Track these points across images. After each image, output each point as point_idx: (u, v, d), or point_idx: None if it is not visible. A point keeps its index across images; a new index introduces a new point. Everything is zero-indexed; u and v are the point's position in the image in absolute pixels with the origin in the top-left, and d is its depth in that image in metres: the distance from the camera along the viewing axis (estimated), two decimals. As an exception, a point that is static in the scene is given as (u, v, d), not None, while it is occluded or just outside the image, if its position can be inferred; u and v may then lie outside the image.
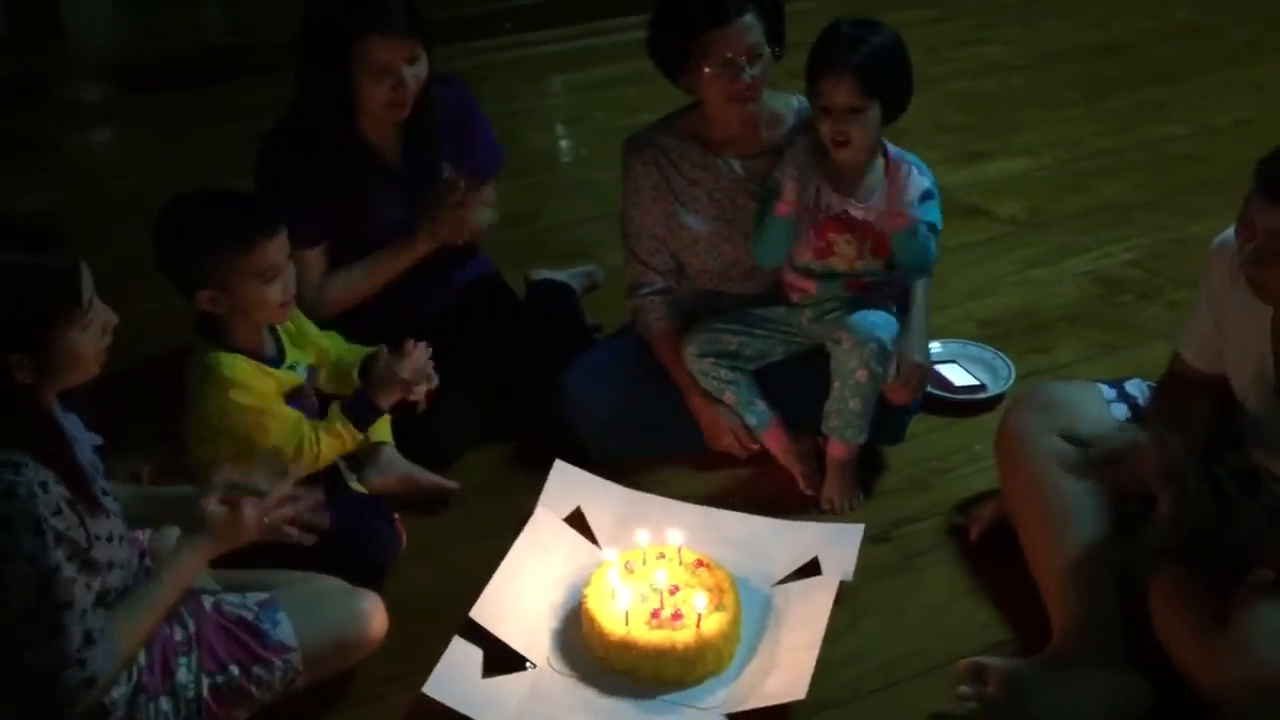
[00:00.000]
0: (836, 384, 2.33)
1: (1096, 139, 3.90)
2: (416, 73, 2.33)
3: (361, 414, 2.20)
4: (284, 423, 2.12)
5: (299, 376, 2.21)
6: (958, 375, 2.68)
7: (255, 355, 2.13)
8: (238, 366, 2.09)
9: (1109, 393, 2.17)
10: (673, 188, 2.43)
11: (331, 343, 2.33)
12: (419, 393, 2.23)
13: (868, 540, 2.23)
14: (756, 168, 2.41)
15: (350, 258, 2.48)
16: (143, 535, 1.97)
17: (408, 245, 2.47)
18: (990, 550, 2.21)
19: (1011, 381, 2.65)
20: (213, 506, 1.81)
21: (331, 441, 2.16)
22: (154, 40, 4.67)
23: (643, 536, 2.14)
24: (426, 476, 2.38)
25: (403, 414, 2.41)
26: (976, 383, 2.66)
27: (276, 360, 2.18)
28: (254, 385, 2.10)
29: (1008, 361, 2.71)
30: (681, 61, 2.29)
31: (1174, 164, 3.73)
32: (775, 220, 2.32)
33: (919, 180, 2.31)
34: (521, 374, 2.57)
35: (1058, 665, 1.88)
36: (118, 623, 1.74)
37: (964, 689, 1.86)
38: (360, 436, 2.21)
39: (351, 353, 2.33)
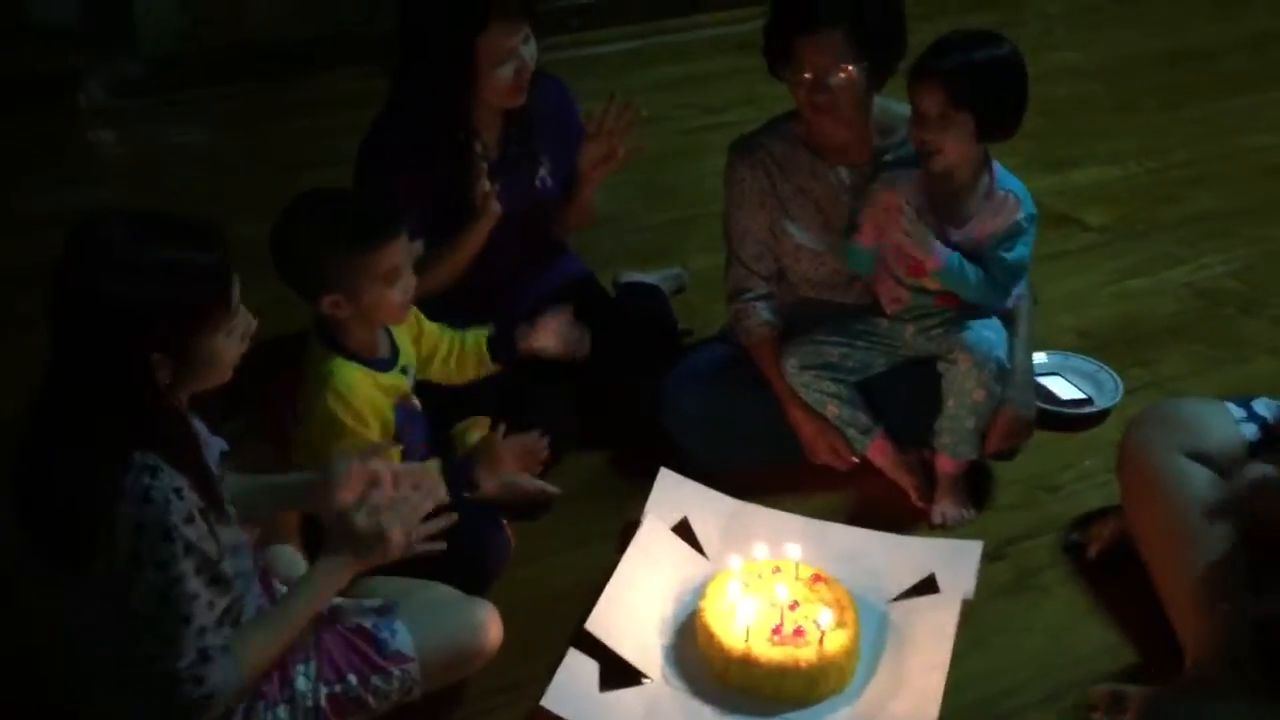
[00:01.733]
0: (951, 402, 2.27)
1: (1181, 148, 3.83)
2: (531, 52, 2.31)
3: (457, 482, 2.12)
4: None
5: (407, 384, 2.17)
6: (1062, 388, 2.62)
7: (369, 359, 2.09)
8: (351, 380, 2.04)
9: (1237, 412, 2.10)
10: (779, 194, 2.38)
11: (440, 330, 2.29)
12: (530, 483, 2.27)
13: (982, 558, 2.18)
14: (864, 178, 2.36)
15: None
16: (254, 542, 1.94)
17: (467, 230, 2.40)
18: (1110, 569, 2.16)
19: (1119, 395, 2.59)
20: (364, 522, 1.76)
21: None
22: (219, 32, 4.65)
23: (760, 550, 2.09)
24: (529, 481, 2.34)
25: (501, 418, 2.38)
26: (1083, 396, 2.60)
27: (389, 362, 2.14)
28: (362, 405, 2.05)
29: (1113, 375, 2.65)
30: (775, 63, 2.26)
31: (1263, 175, 3.65)
32: (855, 250, 2.30)
33: (1013, 213, 2.23)
34: (618, 377, 2.52)
35: (1196, 693, 1.83)
36: (248, 640, 1.70)
37: (1098, 717, 1.80)
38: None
39: (463, 341, 2.29)
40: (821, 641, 1.93)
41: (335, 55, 4.51)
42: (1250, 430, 2.08)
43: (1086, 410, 2.56)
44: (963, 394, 2.27)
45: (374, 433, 2.08)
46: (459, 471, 2.16)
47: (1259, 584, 1.90)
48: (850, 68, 2.19)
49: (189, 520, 1.59)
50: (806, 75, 2.20)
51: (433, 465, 2.16)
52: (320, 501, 1.86)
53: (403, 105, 2.38)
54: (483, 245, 2.41)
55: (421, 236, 2.39)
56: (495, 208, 2.36)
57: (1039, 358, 2.67)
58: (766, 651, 1.92)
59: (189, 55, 4.52)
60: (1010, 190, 2.25)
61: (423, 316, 2.26)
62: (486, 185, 2.34)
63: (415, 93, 2.35)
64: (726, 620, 1.96)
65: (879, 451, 2.37)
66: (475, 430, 2.38)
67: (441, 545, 1.83)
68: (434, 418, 2.29)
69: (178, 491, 1.58)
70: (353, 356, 2.08)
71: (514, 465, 2.22)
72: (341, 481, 1.84)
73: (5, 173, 3.79)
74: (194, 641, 1.61)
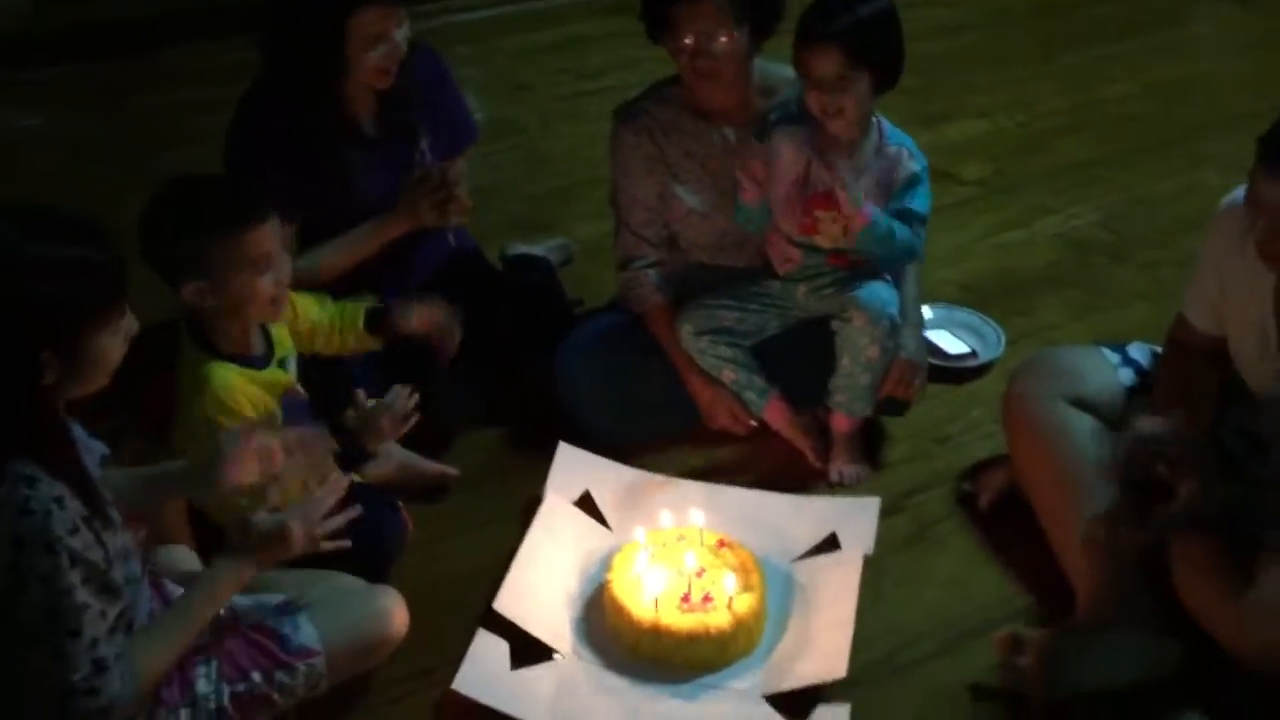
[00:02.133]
0: (845, 360, 2.30)
1: (1049, 98, 3.92)
2: (404, 35, 2.26)
3: (352, 460, 2.05)
4: None
5: (288, 376, 2.11)
6: (949, 342, 2.67)
7: (244, 357, 2.02)
8: (229, 384, 1.97)
9: (1113, 357, 2.18)
10: (666, 159, 2.37)
11: (319, 306, 2.23)
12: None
13: (880, 513, 2.22)
14: (749, 137, 2.36)
15: (327, 229, 2.38)
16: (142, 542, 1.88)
17: (383, 225, 2.37)
18: (1002, 517, 2.22)
19: (1002, 347, 2.66)
20: (263, 521, 1.72)
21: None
22: (72, 10, 4.44)
23: (665, 518, 2.10)
24: (426, 464, 2.31)
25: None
26: (968, 350, 2.66)
27: (265, 359, 2.07)
28: (242, 404, 1.97)
29: (996, 327, 2.71)
30: (654, 30, 2.24)
31: (1124, 123, 3.77)
32: (744, 208, 2.30)
33: (907, 165, 2.28)
34: (510, 354, 2.49)
35: (1089, 630, 1.89)
36: (142, 649, 1.64)
37: (1002, 659, 1.86)
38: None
39: (342, 313, 2.24)
40: (730, 606, 1.94)
41: (194, 30, 4.35)
42: (1127, 375, 2.15)
43: (972, 363, 2.63)
44: (857, 351, 2.30)
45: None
46: (350, 454, 2.11)
47: (1140, 519, 1.97)
48: (732, 32, 2.19)
49: (73, 531, 1.52)
50: (688, 41, 2.19)
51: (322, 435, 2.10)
52: (208, 485, 1.80)
53: (272, 82, 2.31)
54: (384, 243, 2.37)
55: (297, 220, 2.33)
56: (425, 216, 2.34)
57: (926, 312, 2.72)
58: (676, 620, 1.92)
59: (35, 34, 4.31)
60: (900, 143, 2.28)
61: (293, 295, 2.18)
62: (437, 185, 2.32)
63: (285, 70, 2.27)
64: (634, 591, 1.97)
65: (775, 413, 2.39)
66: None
67: (346, 543, 1.80)
68: (321, 398, 2.23)
69: (58, 501, 1.51)
70: (227, 357, 2.00)
71: (392, 429, 2.15)
72: (232, 458, 1.77)
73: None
74: (86, 654, 1.55)
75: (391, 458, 2.30)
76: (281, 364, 2.10)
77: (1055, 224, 3.20)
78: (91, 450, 1.68)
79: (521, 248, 2.91)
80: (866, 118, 2.25)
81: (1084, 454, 2.04)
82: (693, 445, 2.44)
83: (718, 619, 1.92)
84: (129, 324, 1.61)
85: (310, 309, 2.21)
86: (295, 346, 2.16)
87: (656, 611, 1.93)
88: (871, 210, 2.21)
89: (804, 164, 2.26)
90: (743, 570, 2.01)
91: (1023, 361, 2.25)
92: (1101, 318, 2.81)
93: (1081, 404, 2.10)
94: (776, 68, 2.36)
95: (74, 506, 1.53)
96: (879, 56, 2.17)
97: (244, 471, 1.78)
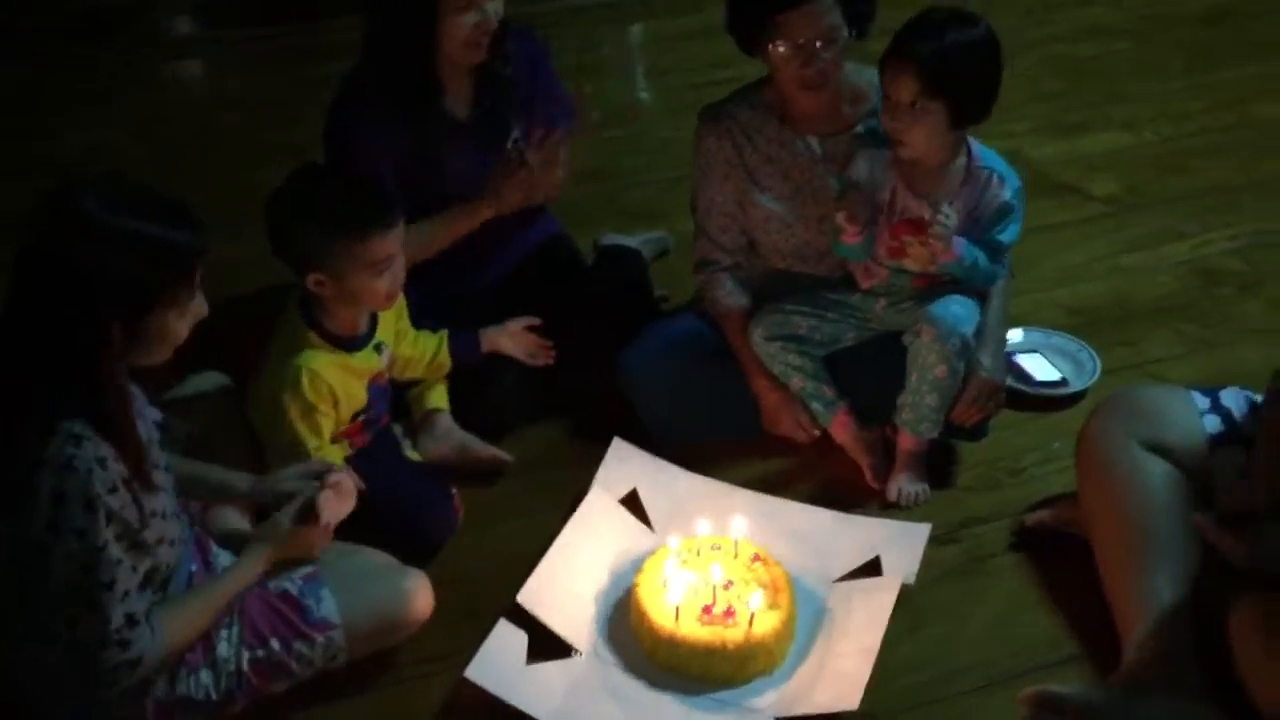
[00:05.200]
0: (914, 377, 2.22)
1: (1199, 116, 3.69)
2: (496, 8, 2.27)
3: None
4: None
5: (380, 362, 2.16)
6: (1039, 367, 2.55)
7: (347, 338, 2.09)
8: (319, 369, 2.04)
9: (1201, 402, 2.03)
10: (746, 164, 2.32)
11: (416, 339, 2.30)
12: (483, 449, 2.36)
13: (933, 541, 2.15)
14: (836, 147, 2.29)
15: (417, 211, 2.42)
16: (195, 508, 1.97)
17: (471, 210, 2.40)
18: (1062, 557, 2.11)
19: (1096, 377, 2.52)
20: (288, 524, 1.85)
21: None
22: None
23: (703, 526, 2.07)
24: (482, 447, 2.34)
25: (460, 382, 2.38)
26: (1059, 377, 2.53)
27: (364, 340, 2.12)
28: (321, 397, 2.05)
29: (1093, 355, 2.57)
30: (755, 40, 2.17)
31: (1277, 150, 3.51)
32: (845, 247, 2.23)
33: (997, 192, 2.17)
34: (584, 345, 2.49)
35: (1133, 693, 1.79)
36: (172, 613, 1.73)
37: (1029, 716, 1.77)
38: None
39: (429, 346, 2.31)
40: (751, 623, 1.91)
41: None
42: (1213, 423, 2.01)
43: (1060, 391, 2.50)
44: (925, 368, 2.22)
45: (330, 418, 2.08)
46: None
47: (1199, 586, 1.85)
48: (839, 39, 2.13)
49: (112, 490, 1.60)
50: (791, 47, 2.12)
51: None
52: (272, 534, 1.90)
53: (371, 64, 2.35)
54: (471, 230, 2.41)
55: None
56: (509, 200, 2.36)
57: (1018, 335, 2.61)
58: (694, 631, 1.90)
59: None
60: (991, 168, 2.18)
61: (405, 315, 2.25)
62: (518, 167, 2.34)
63: (381, 43, 2.31)
64: (658, 597, 1.95)
65: (841, 426, 2.33)
66: (432, 393, 2.38)
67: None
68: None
69: (101, 461, 1.59)
70: (327, 335, 2.06)
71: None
72: (282, 541, 1.87)
73: (82, 103, 3.81)
74: (120, 606, 1.63)
75: (450, 438, 2.34)
76: (377, 348, 2.16)
77: (1184, 250, 3.01)
78: (145, 417, 1.76)
79: (616, 238, 2.90)
80: (942, 149, 2.14)
81: (1153, 502, 1.92)
82: (752, 453, 2.39)
83: (735, 634, 1.89)
84: (198, 305, 1.68)
85: (410, 334, 2.28)
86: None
87: (676, 620, 1.91)
88: (960, 246, 2.13)
89: (890, 188, 2.19)
90: (772, 588, 1.97)
91: (1103, 400, 2.13)
92: (1214, 355, 2.64)
93: (1160, 449, 1.97)
94: (868, 71, 2.29)
95: (116, 469, 1.61)
96: (959, 88, 2.05)
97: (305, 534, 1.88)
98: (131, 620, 1.64)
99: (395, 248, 2.01)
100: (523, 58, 2.44)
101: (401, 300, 2.20)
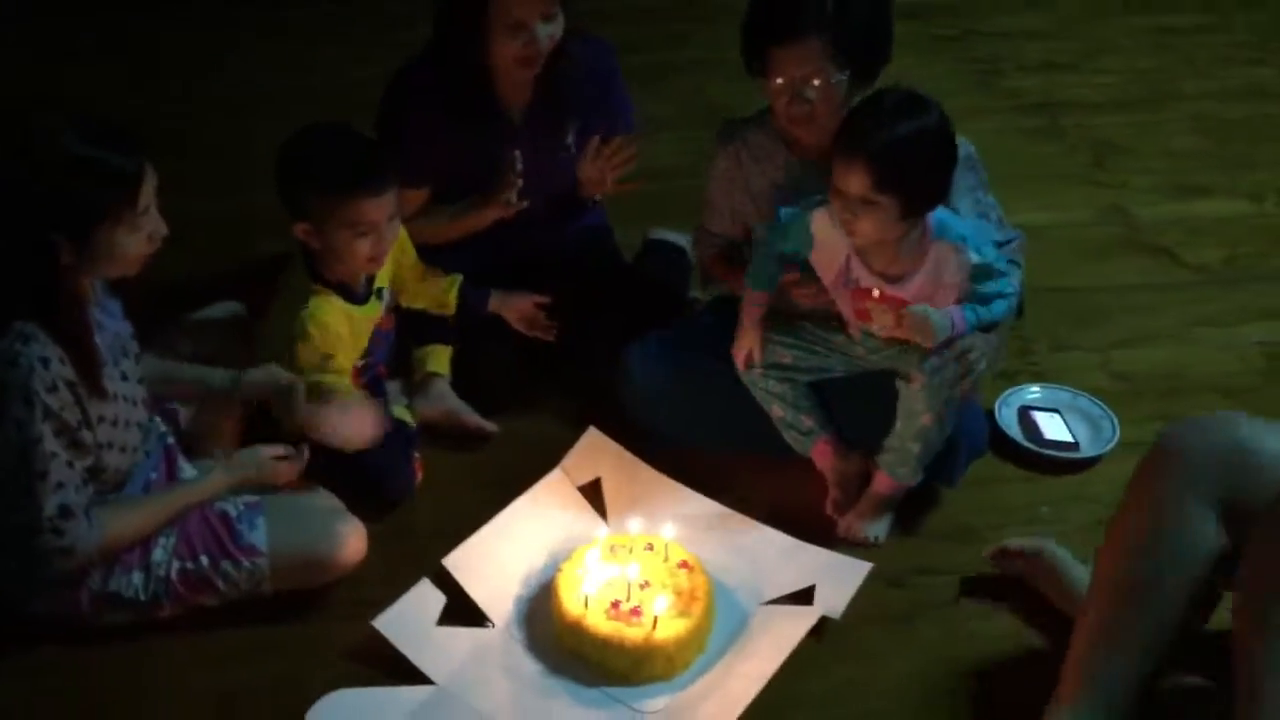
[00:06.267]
0: (900, 424, 2.17)
1: (1339, 193, 3.43)
2: (551, 31, 2.29)
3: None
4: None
5: (381, 308, 2.26)
6: (1053, 427, 2.45)
7: (347, 289, 2.18)
8: (328, 319, 2.14)
9: None
10: (750, 188, 2.31)
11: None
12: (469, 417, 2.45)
13: (883, 581, 2.11)
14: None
15: (454, 203, 2.49)
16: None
17: (478, 211, 2.44)
18: (1005, 625, 2.05)
19: (1111, 446, 2.41)
20: (267, 454, 2.03)
21: None
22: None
23: (635, 524, 2.09)
24: (469, 416, 2.41)
25: (461, 352, 2.46)
26: (1070, 440, 2.43)
27: (365, 294, 2.21)
28: (331, 343, 2.15)
29: (1115, 423, 2.45)
30: (752, 66, 2.15)
31: None
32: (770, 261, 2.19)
33: (966, 260, 2.05)
34: (594, 335, 2.51)
35: None
36: (116, 513, 1.88)
37: None
38: None
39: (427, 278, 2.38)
40: (654, 626, 1.92)
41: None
42: None
43: (1067, 455, 2.39)
44: (912, 416, 2.17)
45: (339, 361, 2.18)
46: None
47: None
48: (829, 79, 2.08)
49: (51, 389, 1.75)
50: (780, 82, 2.10)
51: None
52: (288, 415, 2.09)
53: (434, 54, 2.40)
54: (482, 227, 2.47)
55: (428, 185, 2.46)
56: (510, 200, 2.39)
57: (1034, 391, 2.53)
58: (598, 623, 1.93)
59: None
60: (950, 241, 2.05)
61: (409, 248, 2.33)
62: (514, 178, 2.37)
63: (446, 44, 2.37)
64: (575, 585, 1.99)
65: (820, 455, 2.30)
66: (433, 357, 2.47)
67: None
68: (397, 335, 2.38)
69: (44, 361, 1.74)
70: (333, 285, 2.16)
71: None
72: (256, 469, 2.05)
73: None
74: (54, 496, 1.78)
75: (443, 402, 2.43)
76: (379, 294, 2.26)
77: (1261, 331, 2.82)
78: (105, 328, 1.90)
79: (664, 233, 2.92)
80: (895, 234, 2.05)
81: (1170, 577, 1.70)
82: (737, 466, 2.37)
83: (634, 634, 1.91)
84: (153, 225, 1.82)
85: (414, 258, 2.36)
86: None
87: (584, 609, 1.95)
88: (959, 323, 2.05)
89: (843, 256, 2.13)
90: (688, 596, 1.98)
91: (1201, 417, 1.80)
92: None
93: (1234, 511, 1.67)
94: None
95: (60, 370, 1.76)
96: (910, 183, 1.97)
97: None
98: (65, 511, 1.79)
99: (379, 214, 2.07)
100: (584, 61, 2.45)
101: (403, 233, 2.27)
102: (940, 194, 2.02)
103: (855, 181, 1.96)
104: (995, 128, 3.64)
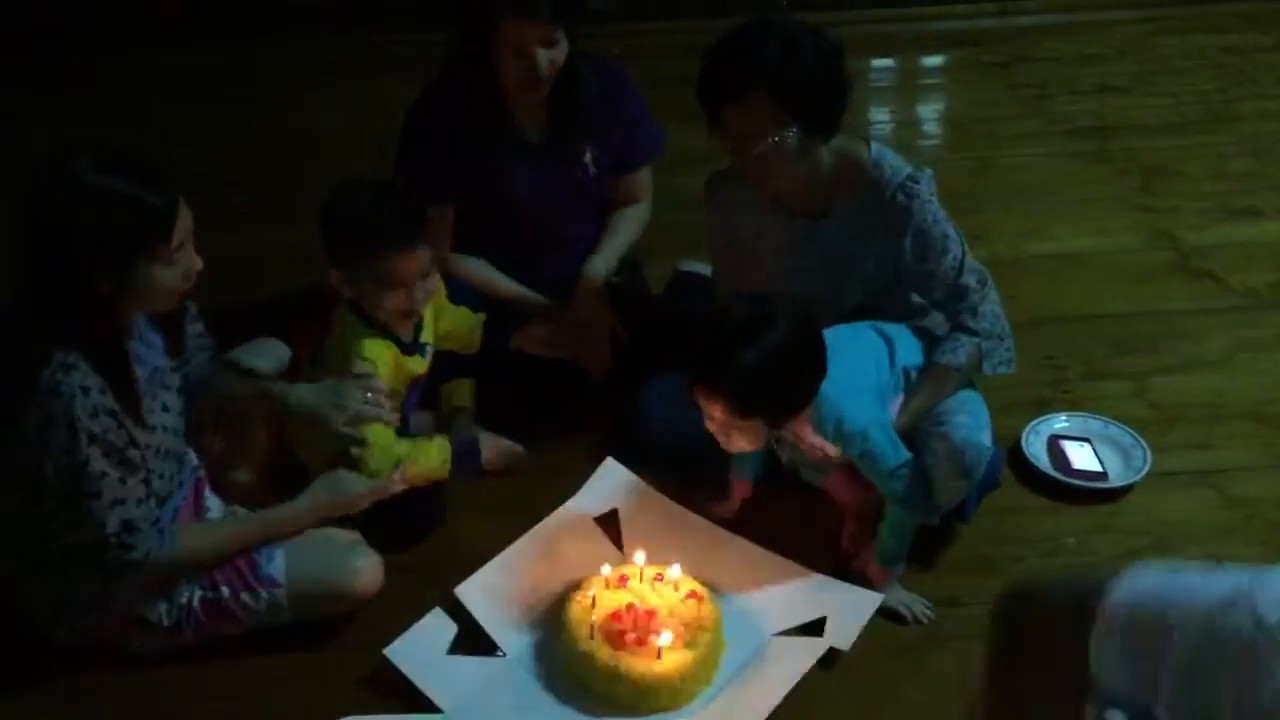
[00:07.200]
0: (883, 528, 2.14)
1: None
2: (552, 57, 2.35)
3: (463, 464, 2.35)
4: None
5: (424, 365, 2.31)
6: (1081, 456, 2.41)
7: (394, 335, 2.23)
8: (377, 357, 2.19)
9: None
10: (740, 237, 2.32)
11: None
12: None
13: (892, 614, 2.10)
14: (817, 229, 2.25)
15: (477, 224, 2.55)
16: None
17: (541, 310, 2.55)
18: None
19: (1142, 476, 2.36)
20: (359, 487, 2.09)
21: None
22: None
23: (639, 556, 2.10)
24: (499, 447, 2.44)
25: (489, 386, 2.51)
26: (1099, 469, 2.38)
27: (412, 346, 2.27)
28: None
29: (1147, 452, 2.40)
30: (710, 127, 2.15)
31: None
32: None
33: (838, 442, 2.05)
34: (625, 371, 2.54)
35: None
36: (193, 534, 1.98)
37: None
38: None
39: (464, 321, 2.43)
40: (658, 657, 1.93)
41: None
42: None
43: (1095, 484, 2.35)
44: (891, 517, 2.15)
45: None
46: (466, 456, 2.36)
47: None
48: (771, 139, 2.08)
49: (93, 415, 1.83)
50: (732, 138, 2.11)
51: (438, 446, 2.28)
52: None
53: (455, 72, 2.49)
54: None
55: (450, 202, 2.52)
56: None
57: (1062, 420, 2.49)
58: (602, 654, 1.95)
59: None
60: (831, 421, 2.03)
61: (443, 292, 2.37)
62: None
63: (453, 70, 2.46)
64: (585, 615, 2.01)
65: (835, 486, 2.28)
66: (460, 391, 2.51)
67: None
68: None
69: (85, 390, 1.82)
70: (379, 328, 2.20)
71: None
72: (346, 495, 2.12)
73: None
74: (113, 513, 1.86)
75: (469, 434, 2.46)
76: (422, 352, 2.32)
77: (1308, 357, 2.75)
78: (144, 361, 1.98)
79: (694, 264, 2.93)
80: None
81: None
82: (753, 496, 2.35)
83: (638, 665, 1.92)
84: (187, 261, 1.90)
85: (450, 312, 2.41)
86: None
87: (590, 639, 1.96)
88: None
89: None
90: (694, 627, 1.99)
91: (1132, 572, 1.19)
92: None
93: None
94: (853, 145, 2.22)
95: (99, 399, 1.83)
96: (767, 404, 1.96)
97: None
98: (129, 526, 1.87)
99: (407, 269, 2.12)
100: (604, 87, 2.51)
101: (442, 293, 2.33)
102: (807, 398, 2.00)
103: (717, 410, 1.98)
104: (1045, 152, 3.63)
